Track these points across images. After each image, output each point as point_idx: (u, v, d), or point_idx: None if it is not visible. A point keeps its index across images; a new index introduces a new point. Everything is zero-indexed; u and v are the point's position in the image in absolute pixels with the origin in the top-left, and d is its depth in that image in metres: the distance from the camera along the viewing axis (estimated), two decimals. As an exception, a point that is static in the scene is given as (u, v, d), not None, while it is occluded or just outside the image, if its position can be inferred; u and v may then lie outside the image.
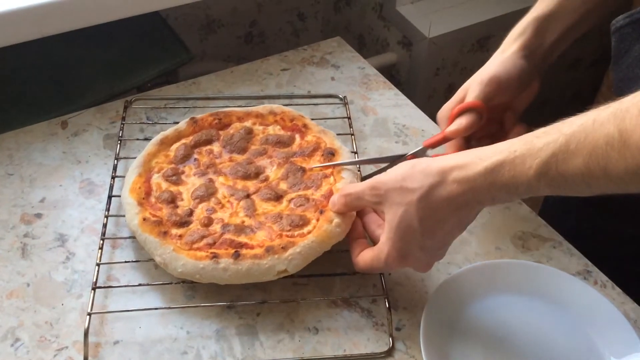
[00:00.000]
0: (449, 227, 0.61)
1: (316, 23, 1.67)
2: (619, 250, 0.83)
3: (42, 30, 0.93)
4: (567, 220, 0.81)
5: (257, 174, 0.78)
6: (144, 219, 0.71)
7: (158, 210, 0.73)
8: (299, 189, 0.75)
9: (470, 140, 0.75)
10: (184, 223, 0.71)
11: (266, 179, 0.77)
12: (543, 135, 0.54)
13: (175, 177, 0.77)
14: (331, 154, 0.78)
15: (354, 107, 0.95)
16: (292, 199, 0.74)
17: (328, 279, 0.72)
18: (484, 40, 1.48)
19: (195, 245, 0.69)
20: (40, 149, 0.85)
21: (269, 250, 0.67)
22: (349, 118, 0.90)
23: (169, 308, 0.69)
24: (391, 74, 1.52)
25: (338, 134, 0.84)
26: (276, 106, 0.85)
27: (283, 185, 0.76)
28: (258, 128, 0.83)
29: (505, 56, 0.73)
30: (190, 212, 0.73)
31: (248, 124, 0.84)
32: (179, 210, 0.73)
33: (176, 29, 1.27)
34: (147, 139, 0.84)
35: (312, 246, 0.68)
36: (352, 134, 0.87)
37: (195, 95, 0.94)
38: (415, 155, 0.76)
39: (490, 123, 0.75)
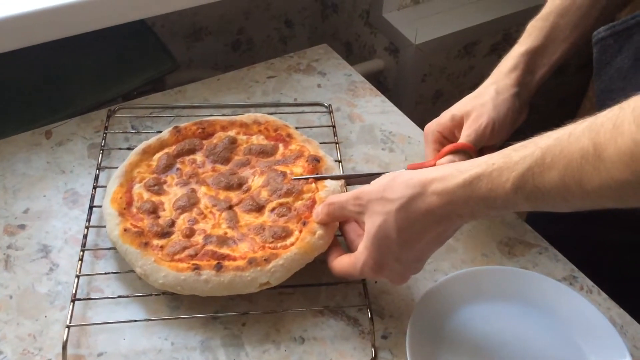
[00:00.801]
0: (427, 240, 0.61)
1: (303, 30, 1.67)
2: (604, 255, 0.84)
3: (27, 39, 0.93)
4: (552, 226, 0.81)
5: (239, 184, 0.77)
6: (125, 230, 0.70)
7: (139, 220, 0.72)
8: (280, 195, 0.75)
9: None
10: (165, 234, 0.71)
11: (248, 189, 0.77)
12: (521, 148, 0.54)
13: (157, 187, 0.76)
14: (316, 160, 0.78)
15: (341, 114, 0.95)
16: (274, 208, 0.74)
17: (313, 288, 0.71)
18: (470, 47, 1.48)
19: (176, 257, 0.68)
20: (23, 159, 0.85)
21: (252, 262, 0.67)
22: (334, 126, 0.90)
23: (152, 320, 0.68)
24: (378, 80, 1.52)
25: (323, 142, 0.84)
26: (260, 115, 0.85)
27: (264, 193, 0.75)
28: (242, 138, 0.83)
29: (501, 99, 0.74)
30: (172, 223, 0.72)
31: (232, 133, 0.83)
32: (161, 221, 0.72)
33: (162, 37, 1.26)
34: (130, 148, 0.84)
35: (295, 258, 0.68)
36: (337, 143, 0.87)
37: (180, 103, 0.94)
38: None
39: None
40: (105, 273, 0.72)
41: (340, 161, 0.84)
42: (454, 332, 0.68)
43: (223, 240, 0.70)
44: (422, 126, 0.95)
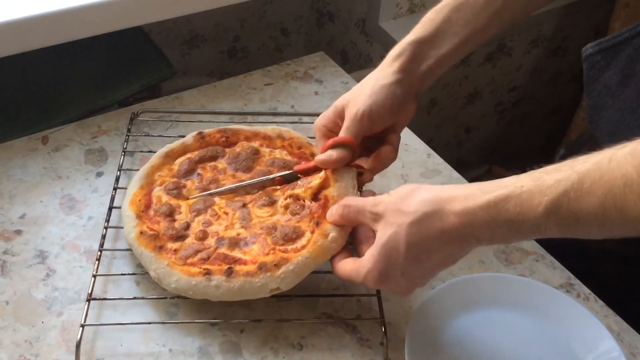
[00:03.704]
0: (436, 259, 0.58)
1: (299, 38, 1.67)
2: (601, 263, 0.84)
3: (23, 45, 0.93)
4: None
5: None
6: (141, 233, 0.70)
7: (156, 223, 0.72)
8: (289, 188, 0.74)
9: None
10: (180, 237, 0.71)
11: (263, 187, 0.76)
12: (553, 171, 0.52)
13: (176, 191, 0.76)
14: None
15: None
16: (287, 205, 0.72)
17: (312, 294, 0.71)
18: (466, 55, 1.50)
19: (189, 260, 0.68)
20: (20, 165, 0.84)
21: (262, 267, 0.66)
22: None
23: (152, 323, 0.68)
24: (374, 88, 1.52)
25: None
26: (285, 130, 0.84)
27: (276, 192, 0.75)
28: (265, 150, 0.82)
29: (379, 85, 0.70)
30: (187, 226, 0.72)
31: (255, 144, 0.83)
32: (176, 224, 0.72)
33: (159, 44, 1.26)
34: (152, 152, 0.83)
35: (306, 262, 0.67)
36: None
37: (201, 109, 0.94)
38: (284, 178, 0.75)
39: (373, 142, 0.74)
40: (122, 274, 0.73)
41: (360, 191, 0.79)
42: (451, 340, 0.68)
43: (235, 243, 0.70)
44: (419, 135, 0.95)
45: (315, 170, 0.73)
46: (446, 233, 0.56)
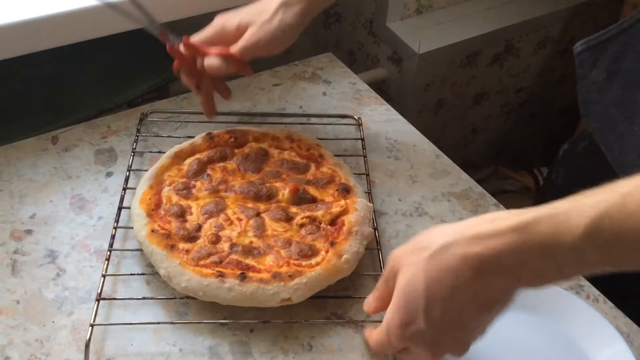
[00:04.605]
0: (461, 299, 0.50)
1: (307, 39, 1.67)
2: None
3: (33, 46, 0.93)
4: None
5: (269, 196, 0.77)
6: (152, 231, 0.71)
7: (167, 223, 0.72)
8: (308, 209, 0.75)
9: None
10: (191, 238, 0.71)
11: (277, 201, 0.77)
12: (592, 194, 0.47)
13: (185, 191, 0.76)
14: (346, 190, 0.78)
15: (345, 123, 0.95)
16: (303, 224, 0.73)
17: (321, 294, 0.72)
18: (473, 57, 1.49)
19: (201, 262, 0.68)
20: (30, 165, 0.85)
21: (276, 276, 0.66)
22: (363, 139, 0.90)
23: (162, 324, 0.68)
24: (381, 89, 1.52)
25: (350, 155, 0.86)
26: (294, 131, 0.84)
27: (293, 209, 0.75)
28: (274, 151, 0.83)
29: (285, 24, 0.75)
30: (199, 228, 0.72)
31: (264, 145, 0.83)
32: (187, 225, 0.72)
33: (167, 45, 1.27)
34: (161, 152, 0.84)
35: (319, 279, 0.68)
36: (365, 156, 0.87)
37: (187, 109, 0.94)
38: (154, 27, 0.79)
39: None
40: (131, 274, 0.73)
41: (370, 193, 0.82)
42: (461, 340, 0.68)
43: (248, 251, 0.70)
44: (425, 135, 0.95)
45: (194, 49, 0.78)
46: (468, 262, 0.49)
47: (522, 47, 1.56)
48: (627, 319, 0.72)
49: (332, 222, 0.74)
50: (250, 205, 0.76)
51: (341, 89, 1.02)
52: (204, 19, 0.91)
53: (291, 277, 0.66)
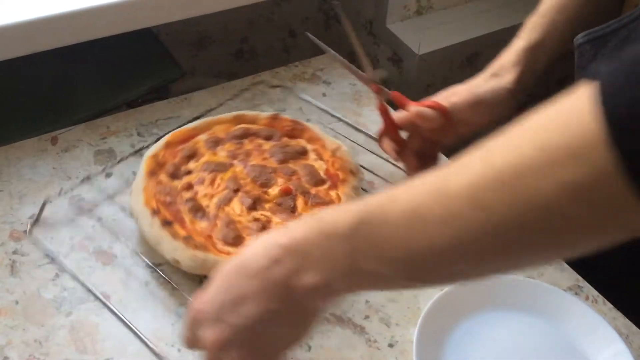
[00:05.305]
0: (252, 296, 0.46)
1: (306, 40, 1.68)
2: (609, 266, 0.84)
3: (33, 46, 0.93)
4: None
5: (262, 184, 0.78)
6: (165, 222, 0.71)
7: (167, 194, 0.75)
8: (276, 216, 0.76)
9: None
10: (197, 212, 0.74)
11: (265, 192, 0.77)
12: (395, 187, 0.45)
13: (213, 144, 0.81)
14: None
15: (345, 124, 0.95)
16: (258, 220, 0.74)
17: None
18: (473, 57, 1.49)
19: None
20: (30, 165, 0.85)
21: (188, 240, 0.70)
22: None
23: (172, 324, 0.68)
24: (381, 90, 1.52)
25: None
26: (343, 150, 0.82)
27: (265, 210, 0.76)
28: (313, 156, 0.83)
29: (498, 87, 0.75)
30: (188, 172, 0.78)
31: (310, 146, 0.84)
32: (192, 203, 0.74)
33: (167, 45, 1.27)
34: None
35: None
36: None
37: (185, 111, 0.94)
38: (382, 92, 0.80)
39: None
40: (131, 274, 0.72)
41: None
42: (460, 341, 0.68)
43: (196, 209, 0.74)
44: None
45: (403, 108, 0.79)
46: (267, 248, 0.46)
47: (523, 48, 1.56)
48: (626, 320, 0.72)
49: None
50: (242, 181, 0.77)
51: (341, 90, 1.02)
52: (202, 20, 0.92)
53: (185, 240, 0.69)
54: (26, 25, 0.91)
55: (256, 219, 0.73)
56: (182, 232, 0.70)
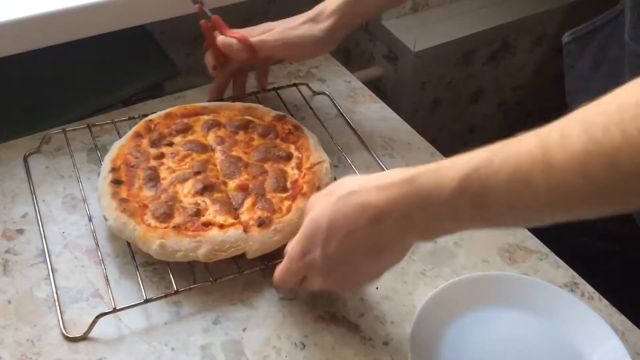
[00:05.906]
0: (357, 242, 0.56)
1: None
2: (605, 262, 0.84)
3: (26, 45, 0.93)
4: (553, 231, 0.81)
5: (229, 174, 0.78)
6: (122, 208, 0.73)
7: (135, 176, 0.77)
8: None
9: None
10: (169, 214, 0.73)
11: (224, 183, 0.77)
12: (469, 153, 0.51)
13: (210, 127, 0.84)
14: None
15: (341, 121, 0.94)
16: (196, 204, 0.75)
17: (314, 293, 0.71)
18: (469, 55, 1.49)
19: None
20: (22, 164, 0.84)
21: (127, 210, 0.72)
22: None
23: (164, 323, 0.68)
24: (377, 88, 1.52)
25: None
26: (321, 165, 0.81)
27: (212, 200, 0.75)
28: (293, 164, 0.82)
29: (310, 34, 0.83)
30: (171, 144, 0.81)
31: (295, 153, 0.83)
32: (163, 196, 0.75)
33: (162, 44, 1.26)
34: None
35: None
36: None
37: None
38: None
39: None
40: (124, 273, 0.71)
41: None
42: (455, 339, 0.68)
43: (154, 178, 0.76)
44: (422, 134, 0.95)
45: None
46: (366, 208, 0.54)
47: (519, 45, 1.56)
48: (622, 317, 0.72)
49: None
50: (210, 166, 0.79)
51: (336, 87, 1.01)
52: (198, 18, 0.92)
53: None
54: (19, 23, 0.91)
55: (195, 204, 0.74)
56: (122, 194, 0.73)
